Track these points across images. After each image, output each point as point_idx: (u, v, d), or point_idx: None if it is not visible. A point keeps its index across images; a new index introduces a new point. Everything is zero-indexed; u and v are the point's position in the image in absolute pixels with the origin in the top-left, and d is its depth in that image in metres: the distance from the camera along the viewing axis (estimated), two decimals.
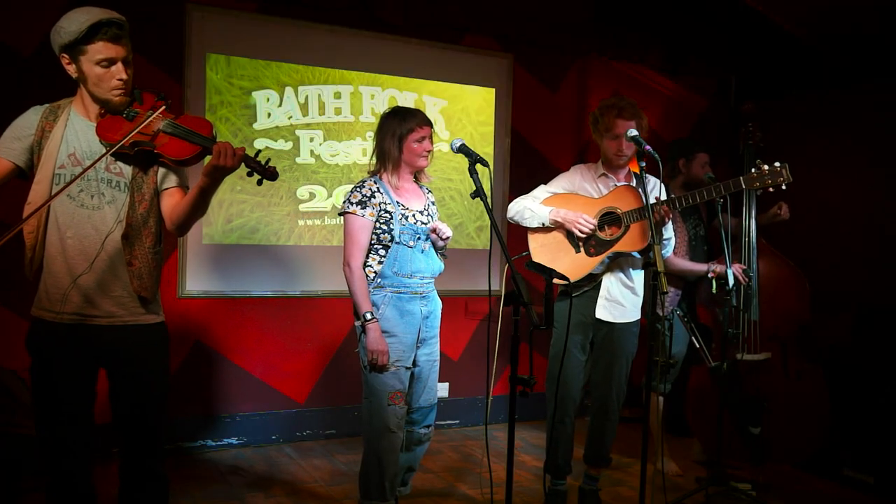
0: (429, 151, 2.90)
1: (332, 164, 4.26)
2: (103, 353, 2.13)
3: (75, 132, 2.10)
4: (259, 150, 2.09)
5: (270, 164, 2.09)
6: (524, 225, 3.25)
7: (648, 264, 2.74)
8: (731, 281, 3.32)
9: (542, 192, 3.30)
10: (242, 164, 2.03)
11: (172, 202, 2.16)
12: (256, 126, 4.05)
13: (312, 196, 4.22)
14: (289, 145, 4.15)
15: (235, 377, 4.09)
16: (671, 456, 3.96)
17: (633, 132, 2.92)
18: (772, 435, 3.62)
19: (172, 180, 2.18)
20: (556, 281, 2.39)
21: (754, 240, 3.60)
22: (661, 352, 3.49)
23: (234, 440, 4.07)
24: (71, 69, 2.05)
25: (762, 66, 5.17)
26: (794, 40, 4.62)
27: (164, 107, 2.12)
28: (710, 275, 3.53)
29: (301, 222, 4.21)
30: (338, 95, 4.27)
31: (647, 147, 2.82)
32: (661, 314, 3.24)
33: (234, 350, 4.08)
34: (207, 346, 4.01)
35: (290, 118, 4.15)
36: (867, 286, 4.17)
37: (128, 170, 2.11)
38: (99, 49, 2.00)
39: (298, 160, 4.18)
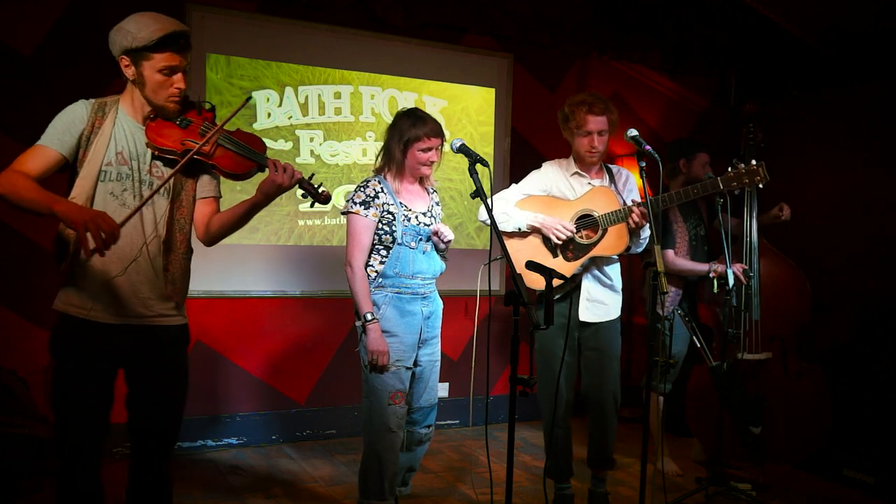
0: (433, 162, 2.86)
1: (332, 164, 4.26)
2: (127, 353, 2.12)
3: (123, 131, 2.10)
4: (313, 174, 2.22)
5: (322, 188, 2.21)
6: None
7: (649, 264, 2.73)
8: (731, 281, 3.33)
9: (514, 193, 3.24)
10: (297, 186, 2.15)
11: (208, 211, 2.22)
12: (256, 126, 4.05)
13: None
14: (289, 145, 4.15)
15: (235, 377, 4.09)
16: (671, 456, 3.96)
17: (633, 132, 2.87)
18: (772, 435, 3.62)
19: (210, 190, 2.24)
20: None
21: (755, 240, 3.60)
22: (662, 352, 3.49)
23: (234, 440, 4.07)
24: (129, 72, 2.07)
25: (762, 66, 5.17)
26: (793, 40, 4.62)
27: (214, 116, 2.20)
28: (711, 274, 3.53)
29: (301, 222, 4.21)
30: (338, 95, 4.27)
31: (647, 147, 2.80)
32: (661, 314, 3.24)
33: (234, 350, 4.08)
34: (207, 346, 4.01)
35: (290, 118, 4.15)
36: (867, 286, 4.16)
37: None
38: (165, 58, 2.03)
39: (298, 160, 4.18)
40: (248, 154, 2.15)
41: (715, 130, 5.27)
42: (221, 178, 2.25)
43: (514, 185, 3.29)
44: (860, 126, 4.36)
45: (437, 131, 2.82)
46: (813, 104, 4.64)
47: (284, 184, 2.10)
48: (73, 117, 2.06)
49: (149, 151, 2.11)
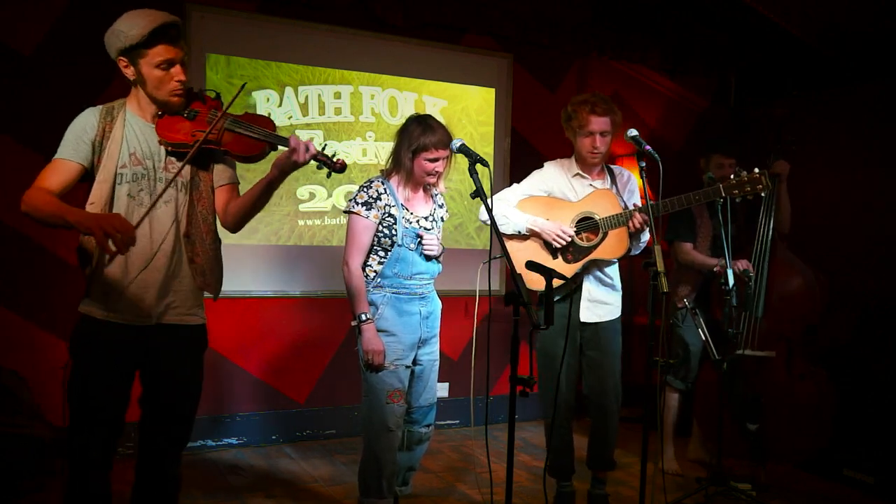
0: (439, 173, 2.84)
1: None
2: (147, 353, 2.13)
3: (134, 132, 2.12)
4: (325, 144, 2.19)
5: (337, 157, 2.18)
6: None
7: (649, 264, 2.72)
8: (731, 281, 3.32)
9: (515, 194, 3.22)
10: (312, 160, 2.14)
11: (227, 198, 2.23)
12: None
13: (312, 196, 4.22)
14: None
15: (235, 377, 4.09)
16: (674, 455, 3.95)
17: (634, 132, 2.85)
18: (773, 435, 3.62)
19: (227, 177, 2.24)
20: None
21: (769, 240, 3.60)
22: (665, 350, 3.48)
23: (234, 440, 4.07)
24: (129, 72, 2.08)
25: (762, 66, 5.17)
26: (793, 40, 4.62)
27: (220, 104, 2.20)
28: (716, 269, 3.54)
29: (301, 222, 4.21)
30: (338, 95, 4.27)
31: (647, 147, 2.79)
32: (668, 312, 3.23)
33: (234, 350, 4.08)
34: (207, 346, 4.00)
35: (290, 118, 4.15)
36: (867, 286, 4.17)
37: (185, 168, 2.13)
38: (159, 52, 2.03)
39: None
40: (258, 135, 2.15)
41: (715, 130, 5.27)
42: (238, 164, 2.26)
43: (514, 185, 3.27)
44: (860, 126, 4.37)
45: (444, 143, 2.77)
46: (813, 104, 4.64)
47: (302, 161, 2.09)
48: (83, 125, 2.08)
49: (162, 149, 2.12)
